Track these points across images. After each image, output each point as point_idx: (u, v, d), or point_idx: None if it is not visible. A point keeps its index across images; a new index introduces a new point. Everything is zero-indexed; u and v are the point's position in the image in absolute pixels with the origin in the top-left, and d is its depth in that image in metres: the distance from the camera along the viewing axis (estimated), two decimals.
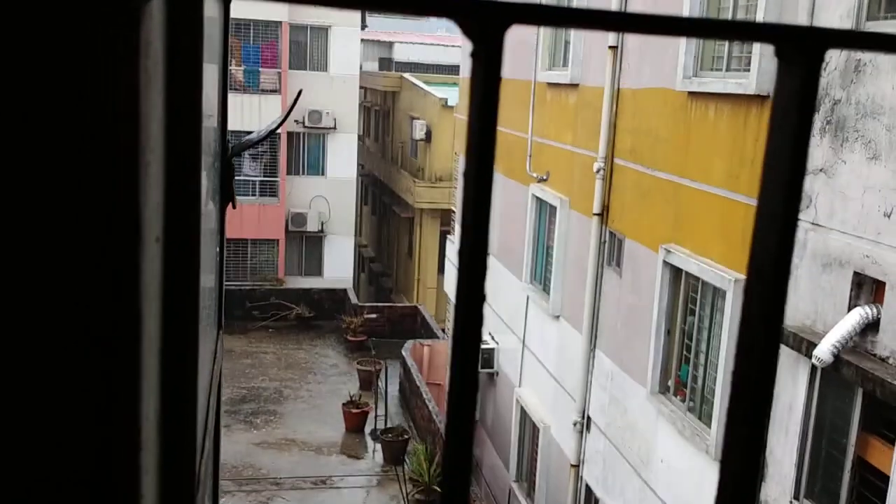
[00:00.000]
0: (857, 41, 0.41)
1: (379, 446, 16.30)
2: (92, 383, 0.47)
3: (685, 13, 8.29)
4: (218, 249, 1.74)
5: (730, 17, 7.85)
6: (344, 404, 17.29)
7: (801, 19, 6.59)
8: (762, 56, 7.05)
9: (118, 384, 0.49)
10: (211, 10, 1.40)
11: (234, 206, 1.81)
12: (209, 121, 1.43)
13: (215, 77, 1.64)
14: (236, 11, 23.51)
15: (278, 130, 24.32)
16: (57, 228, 0.45)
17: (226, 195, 1.73)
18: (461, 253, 0.40)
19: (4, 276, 0.45)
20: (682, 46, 8.34)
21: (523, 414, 12.87)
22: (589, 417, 10.62)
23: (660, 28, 0.39)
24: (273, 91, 24.39)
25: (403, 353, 18.69)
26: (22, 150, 0.43)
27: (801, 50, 0.40)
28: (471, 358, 0.40)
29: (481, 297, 0.40)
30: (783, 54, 0.41)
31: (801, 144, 0.41)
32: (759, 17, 7.11)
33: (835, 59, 6.26)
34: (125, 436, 0.49)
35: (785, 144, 0.41)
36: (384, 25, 43.26)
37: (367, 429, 17.13)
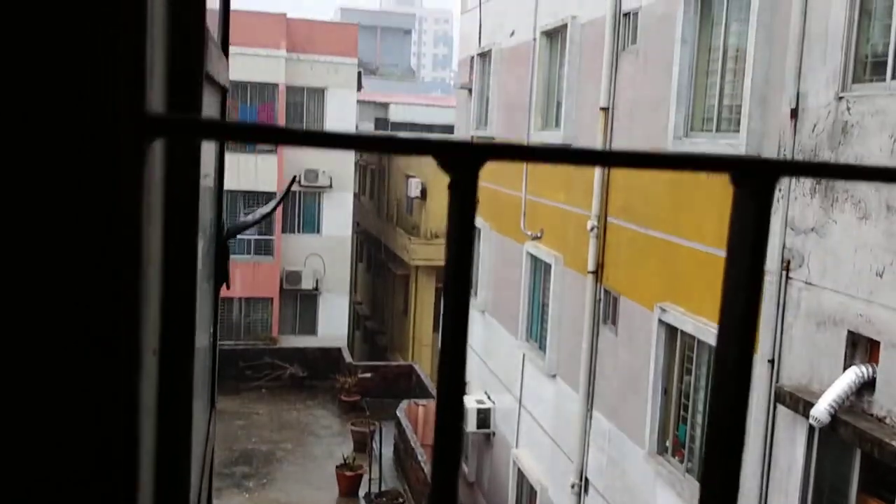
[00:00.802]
0: (808, 170, 0.44)
1: None
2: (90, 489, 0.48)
3: (674, 83, 8.45)
4: (211, 330, 1.75)
5: (717, 82, 8.02)
6: (338, 467, 17.02)
7: (788, 83, 6.73)
8: (751, 117, 7.18)
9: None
10: (209, 103, 1.45)
11: (228, 287, 1.83)
12: (206, 206, 1.46)
13: (212, 162, 1.68)
14: (234, 73, 23.90)
15: (266, 183, 24.51)
16: (58, 348, 0.46)
17: (220, 277, 1.75)
18: (439, 375, 0.42)
19: (6, 400, 0.47)
20: (673, 107, 8.49)
21: (520, 475, 12.69)
22: (587, 479, 10.47)
23: (620, 162, 0.41)
24: (269, 151, 24.64)
25: (398, 413, 18.49)
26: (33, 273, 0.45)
27: (755, 179, 0.43)
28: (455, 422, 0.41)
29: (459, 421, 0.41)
30: (738, 183, 0.44)
31: (756, 267, 0.43)
32: (747, 83, 7.26)
33: (822, 120, 6.38)
34: None
35: (742, 268, 0.43)
36: (380, 87, 44.00)
37: (362, 492, 16.84)
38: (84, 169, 0.44)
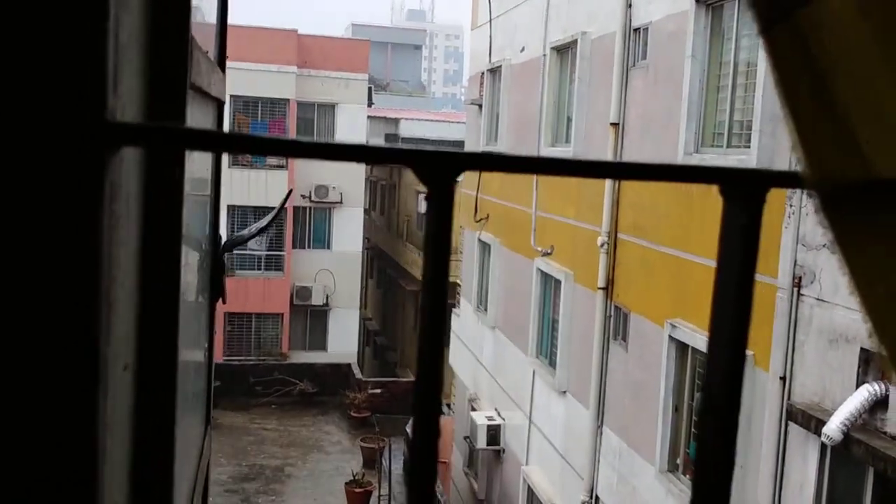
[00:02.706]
0: (799, 182, 0.43)
1: None
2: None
3: (684, 99, 8.44)
4: (206, 345, 1.74)
5: (728, 97, 8.00)
6: (347, 483, 16.96)
7: None
8: (762, 133, 7.15)
9: None
10: (203, 116, 1.45)
11: (224, 302, 1.82)
12: (202, 220, 1.46)
13: (208, 175, 1.68)
14: (245, 89, 24.08)
15: (276, 199, 24.56)
16: (11, 356, 0.46)
17: (216, 291, 1.75)
18: (418, 377, 0.41)
19: None
20: (683, 122, 8.48)
21: (530, 492, 12.60)
22: (597, 497, 10.38)
23: (606, 173, 0.40)
24: (279, 167, 24.75)
25: (408, 429, 18.40)
26: None
27: (744, 190, 0.42)
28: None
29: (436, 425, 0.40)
30: (727, 194, 0.43)
31: (747, 279, 0.42)
32: (758, 98, 7.24)
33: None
34: None
35: (731, 280, 0.42)
36: (390, 102, 44.21)
37: None
38: (41, 176, 0.44)
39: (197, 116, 1.28)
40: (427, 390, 0.39)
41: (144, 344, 0.69)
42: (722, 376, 0.46)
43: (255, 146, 0.36)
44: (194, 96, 1.11)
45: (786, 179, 0.43)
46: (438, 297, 0.41)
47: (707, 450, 0.46)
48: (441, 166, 0.38)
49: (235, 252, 24.71)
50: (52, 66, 0.44)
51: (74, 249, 0.45)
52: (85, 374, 0.46)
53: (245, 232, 2.79)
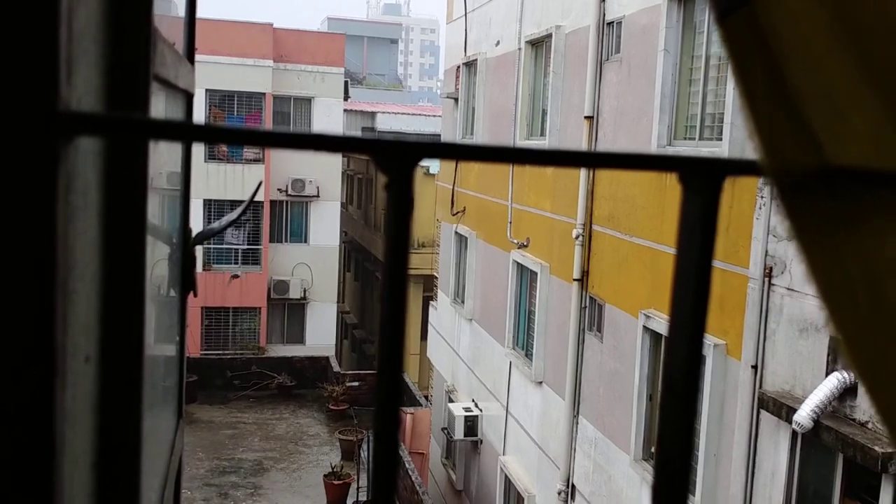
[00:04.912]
0: (757, 170, 0.44)
1: None
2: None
3: (657, 92, 8.50)
4: (178, 337, 1.74)
5: (700, 90, 8.08)
6: (325, 476, 16.95)
7: None
8: (733, 125, 7.23)
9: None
10: (172, 108, 1.45)
11: (195, 295, 1.82)
12: (170, 219, 1.46)
13: (177, 167, 1.68)
14: (221, 83, 23.89)
15: (259, 198, 24.42)
16: None
17: (187, 284, 1.75)
18: (378, 371, 0.42)
19: None
20: (656, 115, 8.54)
21: (507, 483, 12.67)
22: (573, 485, 10.47)
23: (565, 161, 0.42)
24: (256, 160, 24.60)
25: None
26: None
27: (702, 178, 0.44)
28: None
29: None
30: (686, 182, 0.44)
31: (705, 263, 0.44)
32: (730, 91, 7.31)
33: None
34: None
35: (690, 264, 0.44)
36: (367, 96, 44.03)
37: (350, 501, 16.76)
38: None
39: (163, 109, 1.28)
40: (390, 382, 0.40)
41: (108, 335, 0.69)
42: (682, 360, 0.47)
43: (213, 135, 0.37)
44: (159, 88, 1.11)
45: (743, 167, 0.45)
46: (398, 285, 0.42)
47: (668, 430, 0.48)
48: (398, 154, 0.40)
49: (213, 246, 24.52)
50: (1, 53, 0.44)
51: (27, 239, 0.45)
52: (40, 365, 0.47)
53: (216, 224, 2.79)
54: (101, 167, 0.65)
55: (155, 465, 1.19)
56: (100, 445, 0.71)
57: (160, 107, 1.22)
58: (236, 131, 0.38)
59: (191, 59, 1.77)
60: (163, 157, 1.26)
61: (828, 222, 0.42)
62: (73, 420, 0.57)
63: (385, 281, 0.41)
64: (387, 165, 0.39)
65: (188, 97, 1.71)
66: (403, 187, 0.40)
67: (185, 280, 1.70)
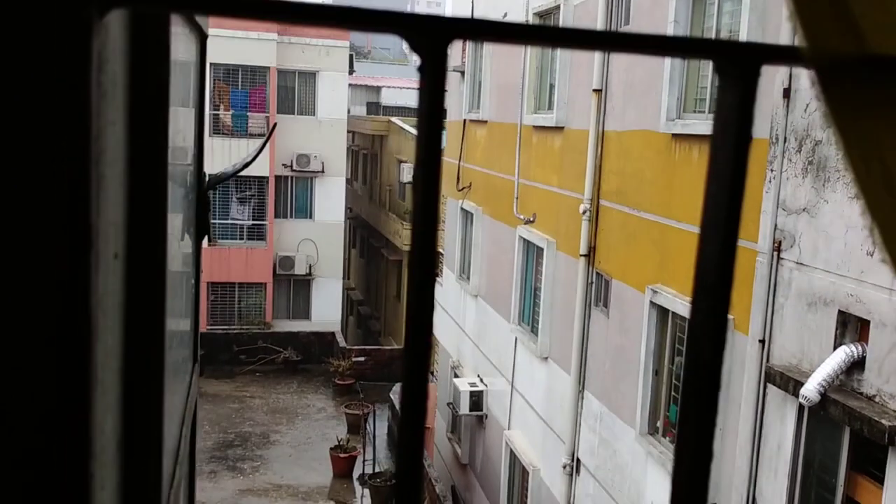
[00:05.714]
0: (794, 56, 0.42)
1: (367, 491, 16.06)
2: (38, 392, 0.47)
3: (666, 65, 8.42)
4: (193, 281, 1.73)
5: (710, 63, 7.99)
6: (332, 449, 17.08)
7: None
8: None
9: (67, 394, 0.48)
10: (187, 49, 1.43)
11: (210, 241, 1.82)
12: (184, 154, 1.44)
13: (191, 112, 1.66)
14: (225, 57, 23.76)
15: (257, 167, 24.39)
16: None
17: (202, 228, 1.74)
18: (411, 261, 0.41)
19: None
20: (665, 89, 8.47)
21: (512, 457, 12.74)
22: (578, 460, 10.52)
23: (597, 43, 0.40)
24: (261, 135, 24.53)
25: (392, 396, 18.53)
26: None
27: (739, 64, 0.42)
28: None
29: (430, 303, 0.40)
30: (721, 69, 0.42)
31: (741, 157, 0.42)
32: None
33: (815, 100, 6.37)
34: (74, 446, 0.49)
35: (726, 158, 0.42)
36: (372, 70, 43.77)
37: (356, 474, 16.90)
38: (27, 42, 0.42)
39: (183, 48, 1.26)
40: (421, 303, 0.39)
41: (133, 232, 0.68)
42: (714, 264, 0.45)
43: (236, 7, 0.35)
44: (183, 22, 1.09)
45: (782, 54, 0.43)
46: (431, 172, 0.40)
47: (693, 376, 0.47)
48: (433, 31, 0.38)
49: (218, 222, 24.53)
50: None
51: (63, 111, 0.44)
52: (76, 254, 0.46)
53: (229, 168, 2.78)
54: (128, 51, 0.63)
55: (173, 397, 1.19)
56: (126, 339, 0.70)
57: (177, 45, 1.20)
58: (266, 4, 0.37)
59: None
60: (178, 121, 1.25)
61: (866, 110, 0.41)
62: (104, 311, 0.56)
63: (417, 169, 0.39)
64: (420, 43, 0.37)
65: (202, 36, 1.69)
66: (437, 67, 0.38)
67: (200, 224, 1.69)
